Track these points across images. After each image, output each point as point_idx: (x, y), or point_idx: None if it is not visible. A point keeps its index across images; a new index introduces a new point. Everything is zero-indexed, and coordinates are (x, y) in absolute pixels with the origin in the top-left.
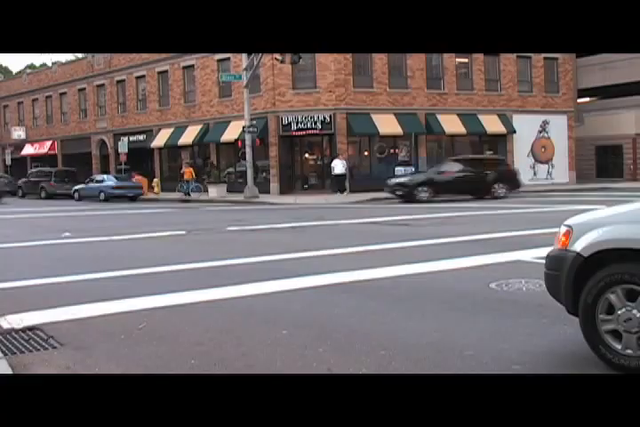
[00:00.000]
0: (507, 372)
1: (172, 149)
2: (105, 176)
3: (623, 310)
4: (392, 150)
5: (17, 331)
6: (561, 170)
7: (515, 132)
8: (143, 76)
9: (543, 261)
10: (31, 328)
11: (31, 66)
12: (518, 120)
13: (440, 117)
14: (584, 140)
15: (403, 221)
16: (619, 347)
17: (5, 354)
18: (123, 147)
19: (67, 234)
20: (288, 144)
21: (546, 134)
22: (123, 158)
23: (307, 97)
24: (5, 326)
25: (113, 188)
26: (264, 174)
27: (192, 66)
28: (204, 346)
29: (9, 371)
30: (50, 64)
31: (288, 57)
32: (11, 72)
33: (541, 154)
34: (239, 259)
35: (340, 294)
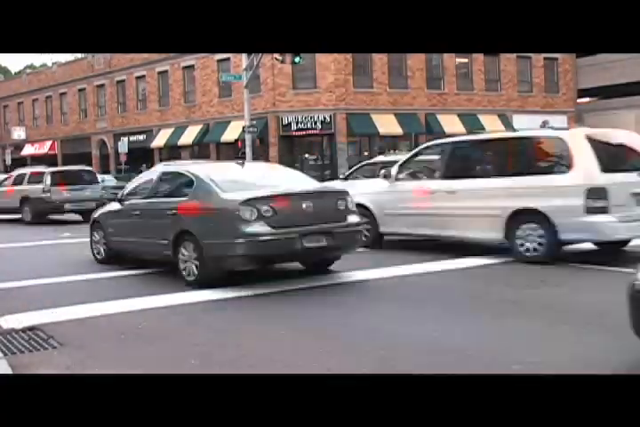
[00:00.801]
0: (507, 372)
1: (172, 149)
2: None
3: None
4: (392, 150)
5: (17, 331)
6: None
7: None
8: (143, 76)
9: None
10: (31, 328)
11: (31, 66)
12: (518, 120)
13: (440, 117)
14: None
15: None
16: None
17: (5, 354)
18: (123, 147)
19: (67, 234)
20: (288, 144)
21: None
22: (123, 158)
23: (307, 97)
24: (5, 326)
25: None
26: None
27: (192, 66)
28: (204, 346)
29: (9, 371)
30: (50, 64)
31: (288, 57)
32: (10, 72)
33: None
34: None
35: (340, 294)
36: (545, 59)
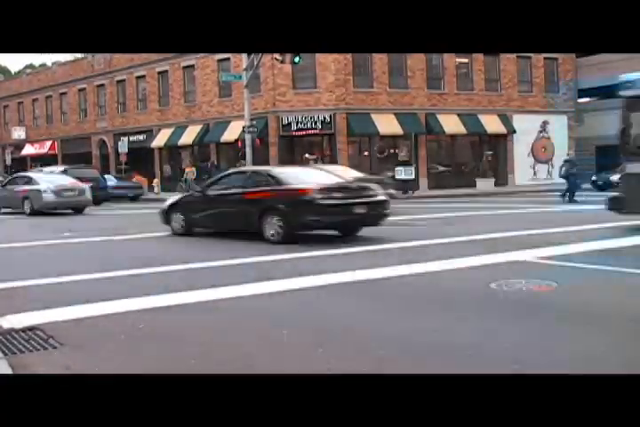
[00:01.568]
0: (506, 372)
1: (172, 148)
2: (105, 176)
3: None
4: (392, 150)
5: (17, 331)
6: None
7: (515, 132)
8: (143, 76)
9: (543, 261)
10: (31, 328)
11: (31, 66)
12: (518, 120)
13: (440, 117)
14: (584, 140)
15: (403, 222)
16: None
17: (5, 354)
18: (123, 147)
19: (67, 234)
20: (288, 144)
21: (546, 134)
22: (123, 158)
23: (307, 97)
24: (5, 326)
25: (113, 188)
26: None
27: (192, 66)
28: (204, 346)
29: (9, 371)
30: (50, 64)
31: (288, 57)
32: (10, 72)
33: (541, 154)
34: (239, 259)
35: (341, 294)
36: (545, 59)
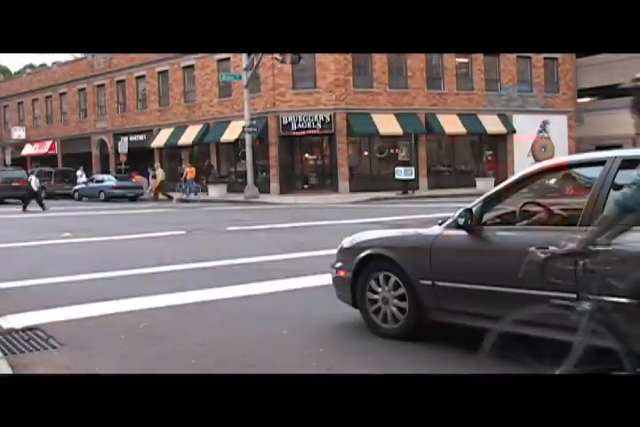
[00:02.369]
0: None
1: (172, 148)
2: (105, 176)
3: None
4: (392, 150)
5: (17, 331)
6: None
7: (515, 132)
8: (143, 76)
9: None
10: (31, 328)
11: (31, 66)
12: (518, 120)
13: (440, 117)
14: (584, 140)
15: (403, 221)
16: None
17: (5, 354)
18: (123, 147)
19: (67, 234)
20: (288, 144)
21: (546, 134)
22: (123, 158)
23: (307, 97)
24: (5, 326)
25: (113, 188)
26: (264, 174)
27: (192, 66)
28: (204, 346)
29: (9, 371)
30: (50, 64)
31: (288, 57)
32: (10, 72)
33: (541, 154)
34: (239, 259)
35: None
36: (545, 59)
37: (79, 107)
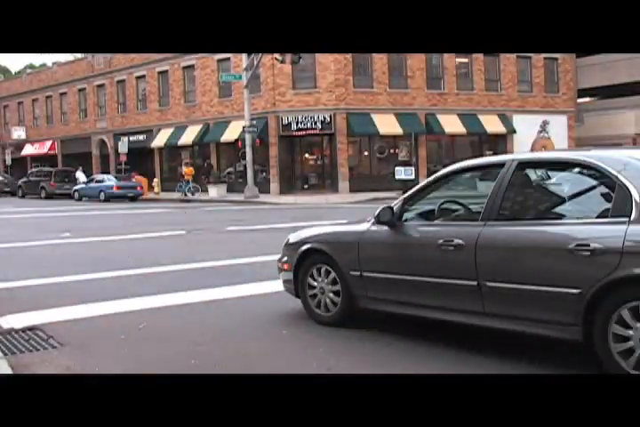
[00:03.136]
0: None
1: (172, 148)
2: (105, 176)
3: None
4: (392, 150)
5: (17, 331)
6: None
7: (515, 132)
8: (143, 76)
9: None
10: (31, 328)
11: (31, 66)
12: (518, 120)
13: (440, 117)
14: (584, 140)
15: None
16: None
17: (5, 354)
18: (123, 147)
19: (67, 234)
20: (288, 144)
21: (546, 134)
22: (123, 158)
23: (307, 97)
24: (5, 326)
25: (113, 188)
26: (264, 174)
27: (192, 66)
28: (204, 346)
29: (9, 371)
30: (50, 64)
31: (288, 57)
32: (10, 72)
33: None
34: (239, 259)
35: None
36: (545, 59)
37: (79, 107)
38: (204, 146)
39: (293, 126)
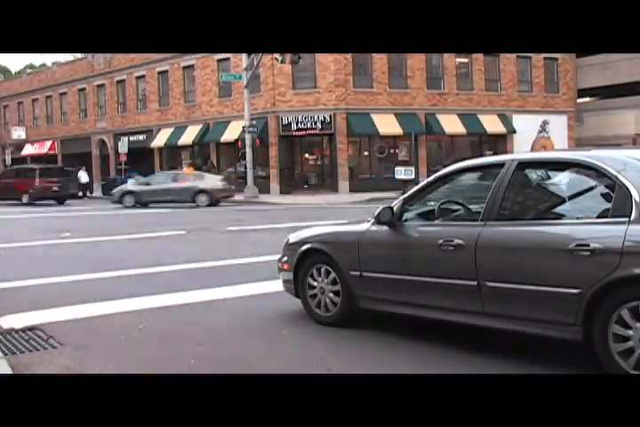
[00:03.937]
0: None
1: (172, 148)
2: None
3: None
4: (392, 150)
5: (17, 331)
6: None
7: (515, 132)
8: (143, 76)
9: None
10: (31, 328)
11: (31, 66)
12: (518, 120)
13: (440, 117)
14: (584, 140)
15: None
16: None
17: (5, 354)
18: (123, 147)
19: (67, 234)
20: (288, 144)
21: (546, 134)
22: (123, 158)
23: (307, 97)
24: (5, 326)
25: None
26: (264, 174)
27: (192, 66)
28: (204, 346)
29: (9, 371)
30: (50, 64)
31: (288, 57)
32: (10, 72)
33: None
34: (239, 259)
35: None
36: (545, 59)
37: (79, 107)
38: (204, 146)
39: (293, 126)
